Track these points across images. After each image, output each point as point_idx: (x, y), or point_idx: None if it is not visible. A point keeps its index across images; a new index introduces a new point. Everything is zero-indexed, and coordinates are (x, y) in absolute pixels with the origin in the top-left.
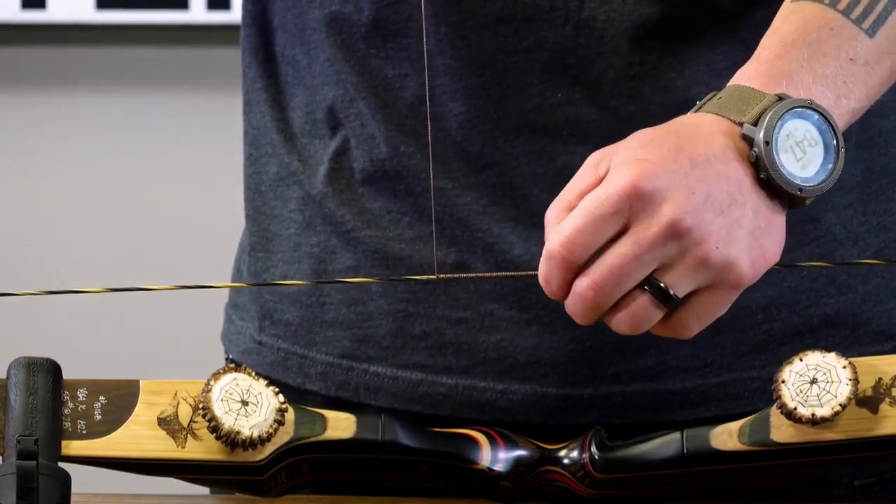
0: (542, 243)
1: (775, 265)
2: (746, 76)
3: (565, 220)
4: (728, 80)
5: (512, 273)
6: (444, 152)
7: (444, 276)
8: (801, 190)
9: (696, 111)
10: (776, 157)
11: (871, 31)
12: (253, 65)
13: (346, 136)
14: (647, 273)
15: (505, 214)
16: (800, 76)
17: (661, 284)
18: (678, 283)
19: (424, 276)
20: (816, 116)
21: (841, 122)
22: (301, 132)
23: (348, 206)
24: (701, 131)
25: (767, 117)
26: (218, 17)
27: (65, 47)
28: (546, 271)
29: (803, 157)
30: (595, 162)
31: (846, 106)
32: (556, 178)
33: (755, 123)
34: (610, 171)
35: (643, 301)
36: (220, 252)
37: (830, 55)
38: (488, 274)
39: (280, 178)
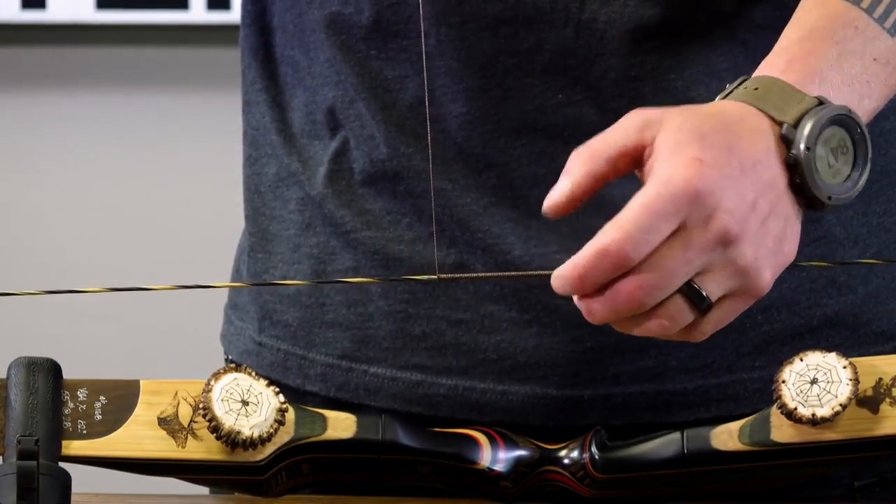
0: (543, 244)
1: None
2: (779, 69)
3: (621, 215)
4: (727, 82)
5: (513, 273)
6: (444, 153)
7: (445, 276)
8: (830, 198)
9: (728, 96)
10: (814, 165)
11: (894, 31)
12: (252, 65)
13: (346, 136)
14: (690, 276)
15: (505, 215)
16: (831, 76)
17: (701, 290)
18: (714, 289)
19: (425, 276)
20: (853, 123)
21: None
22: (301, 133)
23: (348, 207)
24: (746, 127)
25: (810, 124)
26: (218, 17)
27: (65, 47)
28: (591, 266)
29: (835, 164)
30: (640, 125)
31: (867, 106)
32: (557, 178)
33: (795, 125)
34: (663, 162)
35: (680, 304)
36: (219, 252)
37: (857, 54)
38: (489, 274)
39: (280, 179)
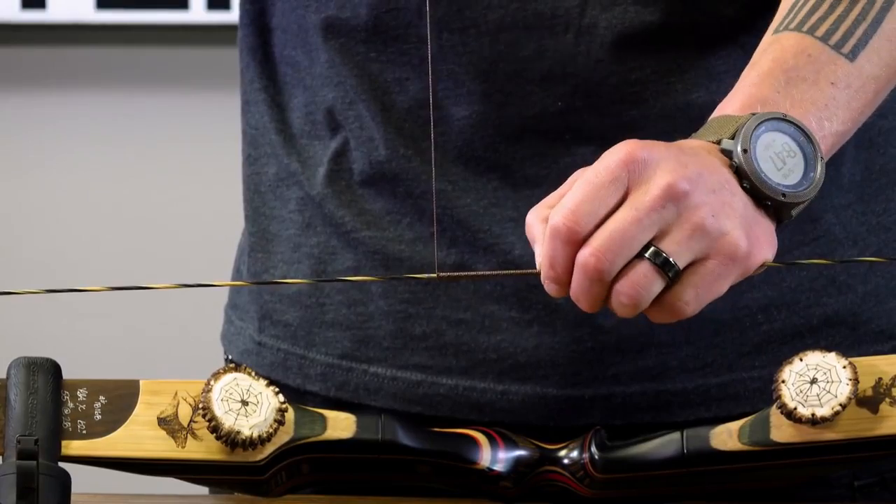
0: None
1: (775, 263)
2: (722, 109)
3: (565, 196)
4: (727, 84)
5: (513, 271)
6: (444, 156)
7: (444, 274)
8: (784, 195)
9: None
10: (756, 165)
11: (852, 56)
12: (251, 65)
13: (346, 137)
14: (647, 238)
15: (505, 215)
16: (776, 101)
17: (661, 251)
18: (677, 251)
19: (425, 275)
20: (793, 128)
21: (825, 145)
22: (300, 133)
23: (348, 208)
24: (690, 143)
25: (742, 129)
26: (218, 17)
27: (65, 47)
28: (551, 250)
29: (784, 167)
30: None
31: (829, 129)
32: (560, 178)
33: (732, 137)
34: (602, 156)
35: (644, 268)
36: (220, 252)
37: (808, 80)
38: (489, 272)
39: (279, 179)
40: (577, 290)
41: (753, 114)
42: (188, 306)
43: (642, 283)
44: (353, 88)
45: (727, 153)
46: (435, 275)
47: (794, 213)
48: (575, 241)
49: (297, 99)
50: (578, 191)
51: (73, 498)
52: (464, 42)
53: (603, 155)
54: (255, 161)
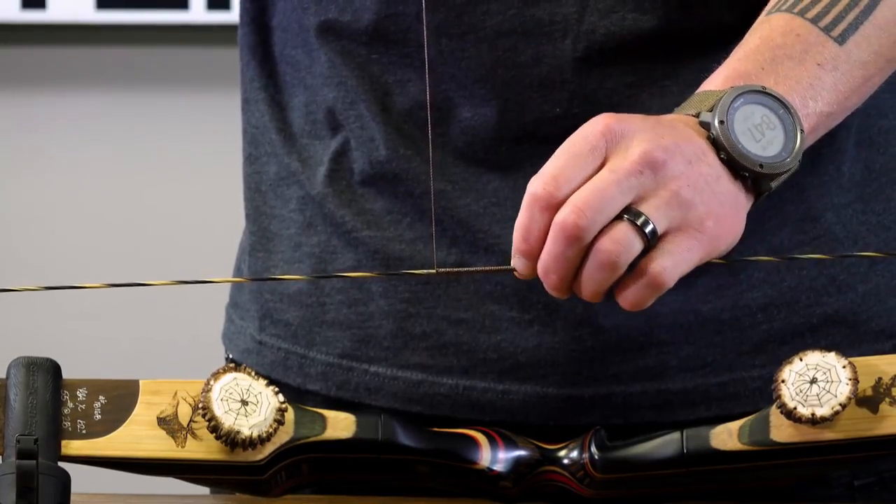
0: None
1: (776, 258)
2: (706, 84)
3: (544, 166)
4: None
5: (511, 267)
6: (444, 156)
7: (442, 269)
8: (761, 166)
9: None
10: (732, 135)
11: (841, 39)
12: (251, 63)
13: (347, 137)
14: (625, 202)
15: (505, 215)
16: (759, 77)
17: (641, 212)
18: (654, 214)
19: (423, 271)
20: (772, 100)
21: (808, 124)
22: (301, 132)
23: (348, 207)
24: (667, 117)
25: (720, 101)
26: (218, 17)
27: (65, 47)
28: (527, 219)
29: (762, 138)
30: None
31: (814, 108)
32: None
33: (710, 110)
34: (580, 127)
35: (624, 228)
36: (220, 252)
37: (795, 59)
38: (486, 267)
39: (280, 178)
40: (550, 256)
41: (733, 87)
42: (188, 306)
43: (623, 241)
44: (354, 89)
45: (705, 125)
46: (433, 270)
47: (773, 184)
48: (554, 205)
49: (297, 98)
50: (557, 159)
51: (72, 498)
52: (462, 47)
53: (581, 127)
54: (256, 160)
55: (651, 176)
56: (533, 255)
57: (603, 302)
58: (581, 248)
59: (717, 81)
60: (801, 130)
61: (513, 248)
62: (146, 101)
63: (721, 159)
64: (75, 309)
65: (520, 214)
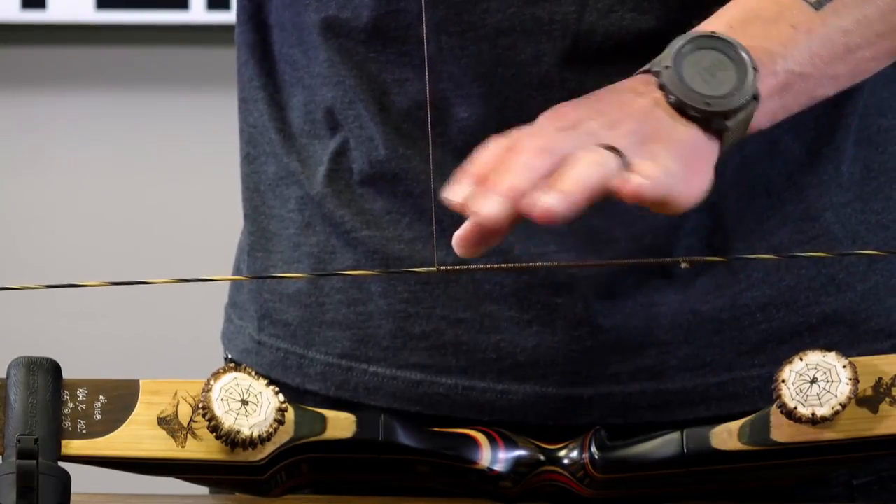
0: (542, 244)
1: (776, 256)
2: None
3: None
4: None
5: (512, 265)
6: (443, 157)
7: (443, 267)
8: (708, 104)
9: None
10: (678, 77)
11: (818, 6)
12: (249, 62)
13: (346, 137)
14: (588, 139)
15: None
16: (726, 33)
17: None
18: (616, 138)
19: (424, 269)
20: (723, 44)
21: (777, 81)
22: (300, 132)
23: (348, 207)
24: (606, 89)
25: (668, 48)
26: (218, 17)
27: (65, 47)
28: (487, 150)
29: (712, 80)
30: None
31: (782, 65)
32: None
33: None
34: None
35: (594, 150)
36: (220, 251)
37: (768, 20)
38: (488, 266)
39: (279, 178)
40: (515, 165)
41: (681, 35)
42: (188, 306)
43: (597, 157)
44: (353, 88)
45: (655, 74)
46: (434, 268)
47: (729, 123)
48: (515, 147)
49: (296, 98)
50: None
51: (73, 498)
52: (462, 45)
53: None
54: (254, 160)
55: (608, 131)
56: (482, 178)
57: (602, 302)
58: (551, 162)
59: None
60: (754, 69)
61: (458, 181)
62: (146, 101)
63: (670, 102)
64: (75, 308)
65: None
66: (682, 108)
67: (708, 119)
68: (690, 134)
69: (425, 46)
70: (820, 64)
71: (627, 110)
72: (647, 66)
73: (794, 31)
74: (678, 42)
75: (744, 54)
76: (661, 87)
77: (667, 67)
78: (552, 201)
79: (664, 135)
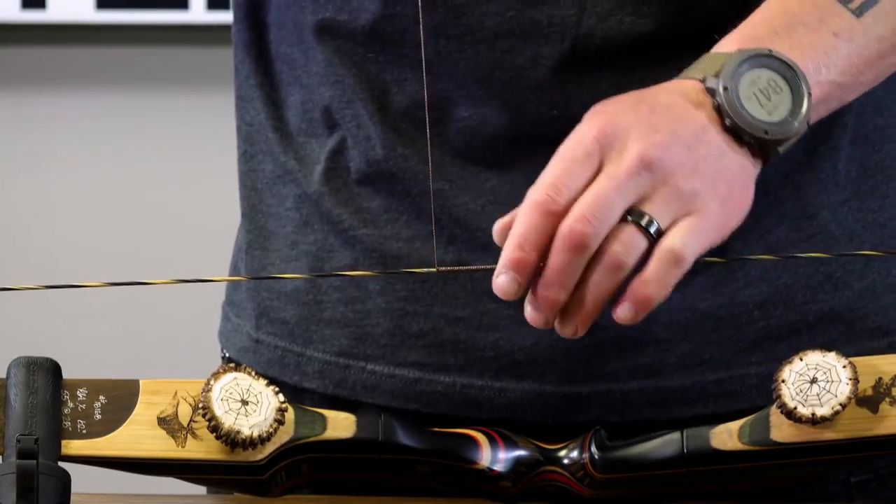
0: None
1: (773, 257)
2: (717, 48)
3: (542, 174)
4: None
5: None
6: (441, 156)
7: (443, 268)
8: (766, 132)
9: None
10: (737, 101)
11: (859, 12)
12: (246, 61)
13: (343, 136)
14: (626, 205)
15: (503, 214)
16: (772, 41)
17: (643, 211)
18: (656, 212)
19: (424, 269)
20: (779, 63)
21: (821, 91)
22: (297, 131)
23: (345, 206)
24: (664, 88)
25: (725, 65)
26: (218, 17)
27: (65, 47)
28: (526, 223)
29: (768, 103)
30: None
31: (826, 76)
32: None
33: (716, 75)
34: (574, 131)
35: (628, 229)
36: (219, 251)
37: (810, 26)
38: (487, 266)
39: (276, 177)
40: (556, 267)
41: (740, 51)
42: (188, 306)
43: (629, 241)
44: (351, 87)
45: (710, 91)
46: (434, 269)
47: (781, 149)
48: (555, 211)
49: (293, 97)
50: (554, 167)
51: (73, 498)
52: (460, 48)
53: (574, 130)
54: (252, 158)
55: (648, 175)
56: (525, 268)
57: None
58: (586, 257)
59: (728, 45)
60: (809, 94)
61: (502, 260)
62: (146, 101)
63: (725, 127)
64: (75, 308)
65: (516, 223)
66: (737, 134)
67: (764, 146)
68: (739, 163)
69: (423, 50)
70: (855, 72)
71: (678, 128)
72: (696, 74)
73: (836, 40)
74: (733, 60)
75: (800, 77)
76: (717, 109)
77: (725, 89)
78: (575, 329)
79: (711, 169)
